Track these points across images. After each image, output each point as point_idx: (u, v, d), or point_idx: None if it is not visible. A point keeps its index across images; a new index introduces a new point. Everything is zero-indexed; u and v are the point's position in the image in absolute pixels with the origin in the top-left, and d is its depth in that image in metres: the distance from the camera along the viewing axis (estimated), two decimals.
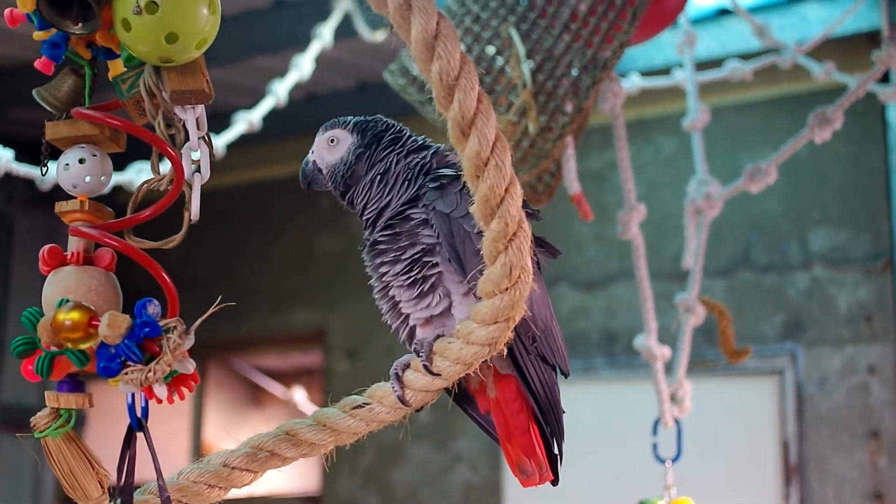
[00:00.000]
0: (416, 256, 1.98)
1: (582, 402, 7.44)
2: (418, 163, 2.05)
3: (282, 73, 5.42)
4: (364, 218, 2.08)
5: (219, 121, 5.43)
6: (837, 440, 6.79)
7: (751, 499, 6.88)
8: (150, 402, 1.70)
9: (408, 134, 2.12)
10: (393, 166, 2.05)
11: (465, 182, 1.69)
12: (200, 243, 9.11)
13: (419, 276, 1.98)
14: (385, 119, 2.14)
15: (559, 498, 7.29)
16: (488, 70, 3.45)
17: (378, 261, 2.03)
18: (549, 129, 3.39)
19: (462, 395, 2.13)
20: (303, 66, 5.39)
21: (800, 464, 6.84)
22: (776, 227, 7.16)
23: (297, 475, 10.80)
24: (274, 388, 11.22)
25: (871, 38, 5.97)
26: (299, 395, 11.25)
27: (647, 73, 5.23)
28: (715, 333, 4.08)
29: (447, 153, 2.06)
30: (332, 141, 2.12)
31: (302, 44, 5.57)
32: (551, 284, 7.57)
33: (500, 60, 3.45)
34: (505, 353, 1.86)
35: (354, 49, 6.95)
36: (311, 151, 2.16)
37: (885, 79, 4.48)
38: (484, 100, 1.57)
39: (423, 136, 2.13)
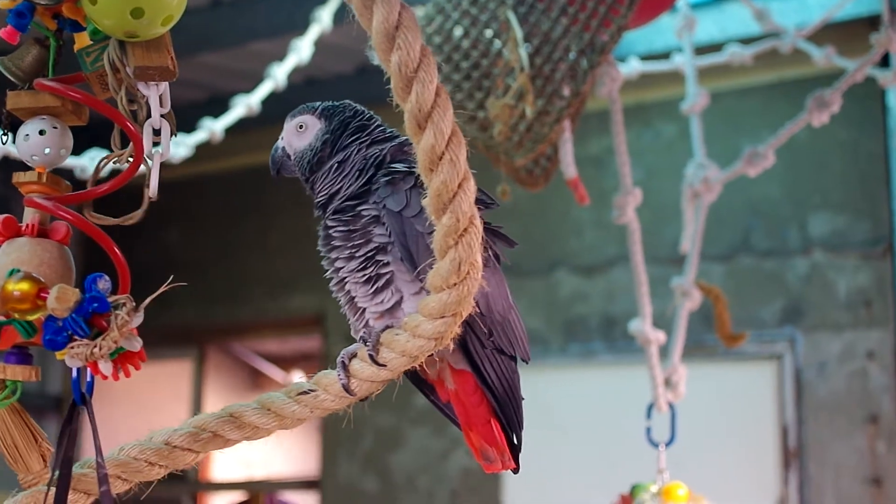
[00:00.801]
0: (369, 254, 1.97)
1: (581, 386, 7.45)
2: (375, 154, 2.04)
3: (281, 57, 5.40)
4: (315, 201, 2.07)
5: (218, 105, 5.43)
6: (836, 425, 6.79)
7: (750, 483, 6.89)
8: (105, 381, 1.69)
9: (376, 123, 2.10)
10: (352, 156, 2.04)
11: (417, 178, 1.71)
12: (198, 228, 9.11)
13: (373, 273, 1.97)
14: (354, 105, 2.13)
15: (557, 481, 7.33)
16: (485, 53, 3.44)
17: (333, 255, 2.02)
18: (547, 113, 3.37)
19: (422, 381, 2.12)
20: (302, 50, 5.36)
21: (799, 449, 6.85)
22: (776, 213, 7.15)
23: (296, 460, 10.83)
24: (273, 372, 11.23)
25: (871, 23, 5.96)
26: (298, 379, 11.25)
27: (646, 58, 5.22)
28: (714, 319, 4.08)
29: (406, 146, 2.04)
30: (301, 127, 2.11)
31: (301, 28, 5.54)
32: (550, 269, 7.58)
33: (497, 44, 3.43)
34: (452, 349, 1.87)
35: (354, 33, 6.90)
36: (280, 138, 2.15)
37: (885, 63, 4.47)
38: (442, 93, 1.56)
39: (391, 128, 2.10)
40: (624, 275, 7.36)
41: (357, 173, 2.02)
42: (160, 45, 1.72)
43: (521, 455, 2.12)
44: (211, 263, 9.14)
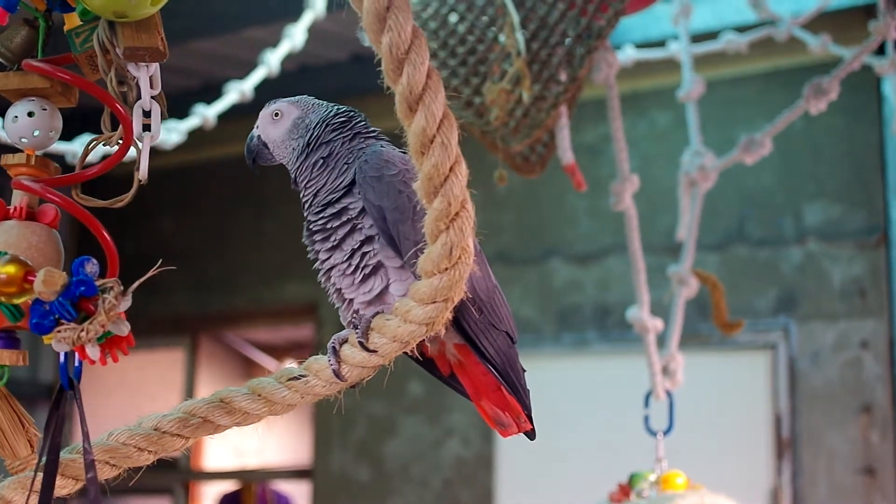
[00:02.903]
0: (355, 246, 1.97)
1: (575, 375, 7.44)
2: (359, 147, 2.03)
3: (274, 44, 5.38)
4: (302, 198, 2.06)
5: (211, 92, 5.40)
6: (830, 414, 6.79)
7: (743, 472, 6.89)
8: (92, 366, 1.66)
9: (358, 118, 2.08)
10: (336, 150, 2.03)
11: (396, 173, 1.80)
12: (192, 216, 9.09)
13: (361, 264, 1.97)
14: (335, 104, 2.12)
15: (551, 470, 7.33)
16: (482, 38, 3.41)
17: (318, 247, 2.01)
18: (543, 99, 3.35)
19: (421, 357, 2.10)
20: (295, 36, 5.33)
21: (792, 438, 6.85)
22: (770, 202, 7.15)
23: (289, 449, 10.82)
24: (265, 361, 11.22)
25: (866, 12, 5.95)
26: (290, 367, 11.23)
27: (642, 46, 5.20)
28: (709, 307, 4.07)
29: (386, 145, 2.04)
30: (276, 115, 2.10)
31: (294, 15, 5.52)
32: (545, 258, 7.57)
33: (494, 29, 3.41)
34: (447, 330, 1.84)
35: (347, 21, 6.88)
36: (255, 126, 2.14)
37: (880, 52, 4.45)
38: (433, 75, 1.54)
39: (374, 129, 2.09)
40: (618, 264, 7.36)
41: (344, 166, 2.01)
42: (150, 25, 1.70)
43: (533, 421, 2.13)
44: (204, 252, 9.11)
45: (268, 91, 5.54)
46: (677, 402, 3.65)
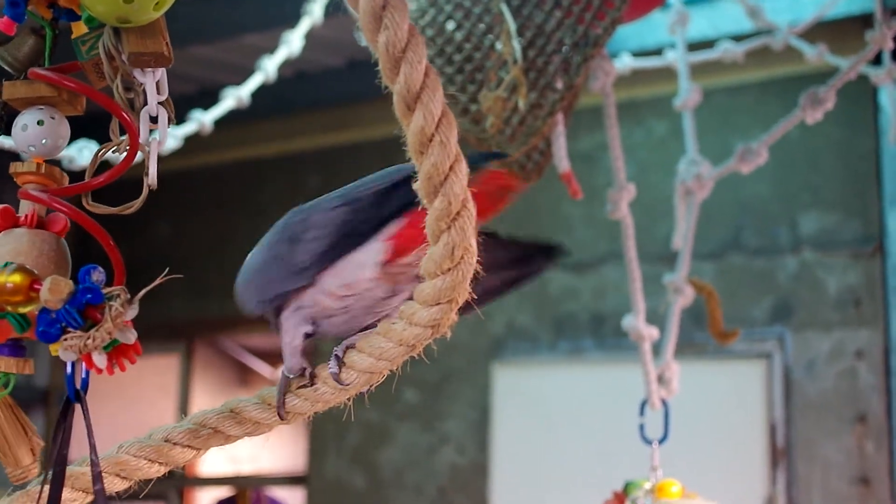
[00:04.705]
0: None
1: (570, 383, 7.44)
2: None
3: (271, 51, 5.37)
4: None
5: (208, 98, 5.41)
6: (825, 424, 6.79)
7: (737, 481, 6.89)
8: (99, 375, 1.66)
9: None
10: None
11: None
12: (188, 222, 9.08)
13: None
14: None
15: (546, 477, 7.32)
16: (478, 46, 3.42)
17: None
18: (539, 106, 3.36)
19: None
20: (292, 43, 5.33)
21: (787, 447, 6.85)
22: (766, 211, 7.15)
23: (284, 455, 10.81)
24: (262, 368, 11.20)
25: (864, 22, 5.95)
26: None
27: (638, 54, 5.20)
28: (704, 317, 4.06)
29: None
30: None
31: (292, 21, 5.52)
32: None
33: (490, 36, 3.42)
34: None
35: (344, 26, 6.88)
36: None
37: (877, 61, 4.46)
38: (431, 74, 1.52)
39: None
40: (614, 272, 7.35)
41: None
42: (154, 30, 1.69)
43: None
44: (200, 258, 9.09)
45: (265, 97, 5.56)
46: (673, 411, 3.65)
